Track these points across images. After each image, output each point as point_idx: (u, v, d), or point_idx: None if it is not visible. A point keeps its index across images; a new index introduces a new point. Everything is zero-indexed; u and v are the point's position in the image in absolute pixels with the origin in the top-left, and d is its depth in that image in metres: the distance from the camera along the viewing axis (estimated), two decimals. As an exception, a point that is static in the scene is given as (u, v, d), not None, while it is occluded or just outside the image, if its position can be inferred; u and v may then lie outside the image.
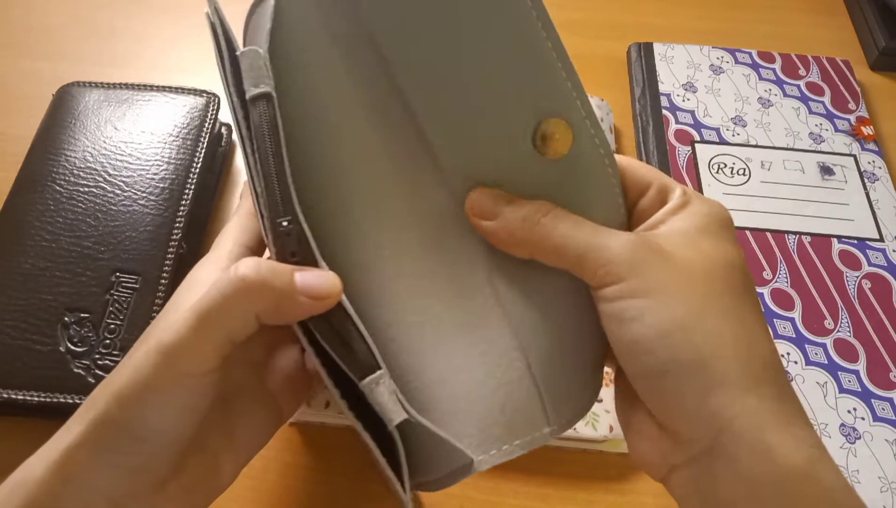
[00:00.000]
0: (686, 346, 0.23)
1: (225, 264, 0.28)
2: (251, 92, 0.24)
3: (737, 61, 0.56)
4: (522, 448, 0.26)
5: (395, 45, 0.26)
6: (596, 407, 0.37)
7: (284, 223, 0.24)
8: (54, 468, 0.24)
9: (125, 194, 0.42)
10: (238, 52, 0.25)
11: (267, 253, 0.30)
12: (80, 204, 0.41)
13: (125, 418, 0.24)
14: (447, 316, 0.28)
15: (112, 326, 0.37)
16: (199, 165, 0.43)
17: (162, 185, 0.42)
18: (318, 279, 0.24)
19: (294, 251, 0.25)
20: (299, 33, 0.26)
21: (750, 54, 0.56)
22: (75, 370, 0.36)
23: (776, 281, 0.44)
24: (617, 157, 0.27)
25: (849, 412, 0.39)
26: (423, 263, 0.28)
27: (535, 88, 0.25)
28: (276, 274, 0.24)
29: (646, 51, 0.56)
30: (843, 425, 0.39)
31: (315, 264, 0.25)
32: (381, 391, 0.23)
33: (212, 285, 0.24)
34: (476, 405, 0.27)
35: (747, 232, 0.46)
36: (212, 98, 0.47)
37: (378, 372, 0.24)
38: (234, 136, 0.51)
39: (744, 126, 0.52)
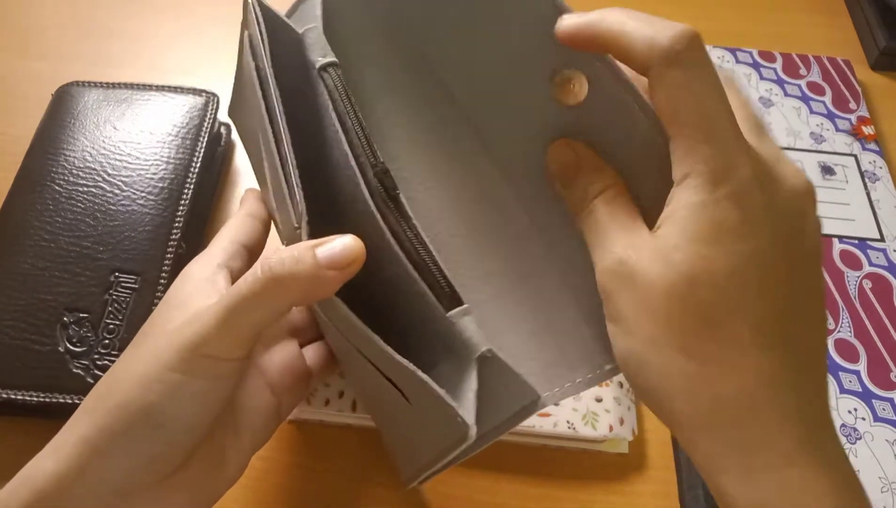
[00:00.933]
0: (639, 377, 0.23)
1: (219, 260, 0.29)
2: (320, 61, 0.28)
3: (737, 61, 0.56)
4: (586, 385, 0.27)
5: (419, 16, 0.29)
6: (596, 407, 0.37)
7: (380, 164, 0.26)
8: (67, 459, 0.24)
9: (124, 193, 0.41)
10: (301, 31, 0.29)
11: (267, 250, 0.30)
12: (79, 204, 0.41)
13: (148, 404, 0.24)
14: (508, 268, 0.30)
15: (111, 326, 0.37)
16: (198, 165, 0.43)
17: (161, 184, 0.42)
18: (338, 249, 0.24)
19: (396, 191, 0.26)
20: (345, 24, 0.30)
21: (751, 54, 0.56)
22: (74, 370, 0.36)
23: (777, 281, 0.44)
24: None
25: (849, 412, 0.39)
26: (487, 227, 0.30)
27: (545, 44, 0.26)
28: (300, 261, 0.23)
29: (646, 50, 0.56)
30: (843, 425, 0.39)
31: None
32: (468, 320, 0.24)
33: (241, 281, 0.24)
34: (538, 348, 0.28)
35: (748, 232, 0.46)
36: (211, 97, 0.46)
37: (465, 305, 0.25)
38: (234, 135, 0.50)
39: (744, 126, 0.52)
